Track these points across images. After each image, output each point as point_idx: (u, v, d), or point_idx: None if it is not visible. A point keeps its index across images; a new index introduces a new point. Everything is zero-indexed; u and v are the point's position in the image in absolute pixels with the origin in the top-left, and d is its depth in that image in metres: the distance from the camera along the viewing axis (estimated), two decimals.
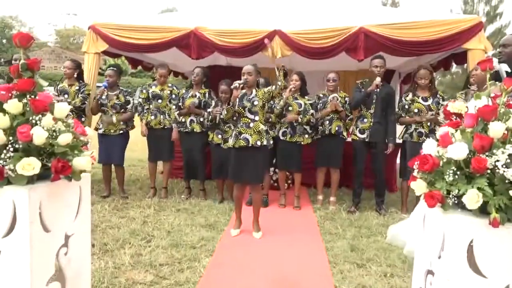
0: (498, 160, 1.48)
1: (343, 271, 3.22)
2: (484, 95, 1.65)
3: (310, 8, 5.83)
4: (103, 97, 5.04)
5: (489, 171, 1.51)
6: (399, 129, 5.13)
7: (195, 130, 5.16)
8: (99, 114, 5.25)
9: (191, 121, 5.17)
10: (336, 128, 5.07)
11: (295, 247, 3.76)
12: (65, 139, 1.67)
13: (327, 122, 5.08)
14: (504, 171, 1.46)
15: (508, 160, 1.47)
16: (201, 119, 5.14)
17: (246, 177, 3.98)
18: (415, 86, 4.79)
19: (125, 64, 11.94)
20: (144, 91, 5.28)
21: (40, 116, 1.66)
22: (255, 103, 3.91)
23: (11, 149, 1.59)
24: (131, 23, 5.50)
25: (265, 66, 6.78)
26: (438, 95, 4.76)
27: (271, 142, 4.09)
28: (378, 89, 4.73)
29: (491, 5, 18.24)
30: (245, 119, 3.93)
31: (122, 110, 5.15)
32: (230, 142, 3.99)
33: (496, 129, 1.53)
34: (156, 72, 5.33)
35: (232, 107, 3.93)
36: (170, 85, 5.32)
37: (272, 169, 5.68)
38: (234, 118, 4.05)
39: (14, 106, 1.63)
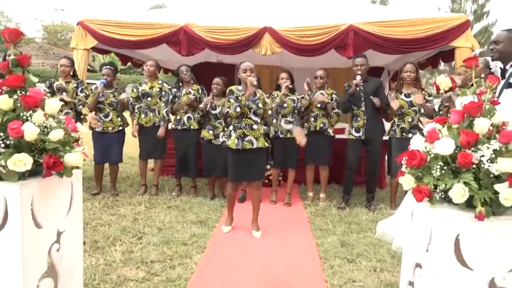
0: (483, 155, 1.53)
1: (334, 266, 3.26)
2: (470, 92, 1.69)
3: (300, 5, 5.86)
4: (100, 94, 5.00)
5: (474, 166, 1.55)
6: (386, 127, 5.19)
7: (192, 127, 5.15)
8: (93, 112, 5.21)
9: (188, 118, 5.16)
10: (321, 125, 5.10)
11: (286, 243, 3.79)
12: (56, 135, 1.67)
13: (312, 119, 5.14)
14: (489, 166, 1.50)
15: (493, 155, 1.52)
16: (197, 116, 5.14)
17: (250, 177, 3.98)
18: (400, 82, 4.85)
19: (114, 60, 11.84)
20: (135, 90, 5.25)
21: (31, 112, 1.66)
22: (260, 105, 3.87)
23: (2, 145, 1.58)
24: (120, 19, 5.46)
25: (256, 63, 6.79)
26: (423, 92, 4.80)
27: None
28: (361, 87, 4.77)
29: (478, 3, 18.51)
30: (249, 120, 3.85)
31: (118, 107, 5.15)
32: (230, 143, 3.85)
33: (481, 125, 1.57)
34: (145, 64, 5.31)
35: (245, 105, 3.79)
36: (160, 82, 5.27)
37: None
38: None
39: (4, 102, 1.62)
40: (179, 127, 5.21)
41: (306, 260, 3.40)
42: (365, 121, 4.85)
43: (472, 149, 1.56)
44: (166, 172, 6.26)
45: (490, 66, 3.66)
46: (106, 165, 5.33)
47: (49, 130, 1.68)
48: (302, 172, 5.51)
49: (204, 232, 3.93)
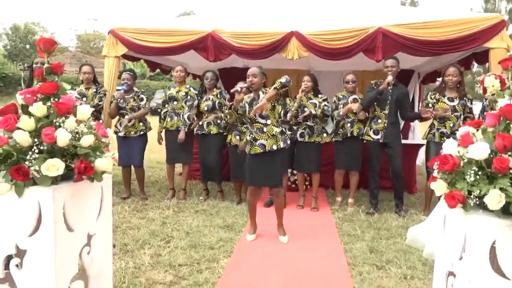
0: None
1: (362, 273, 3.20)
2: (507, 94, 1.62)
3: (327, 9, 5.81)
4: (121, 100, 5.12)
5: (511, 171, 1.49)
6: (423, 130, 5.07)
7: (212, 132, 5.19)
8: (117, 117, 5.33)
9: (208, 123, 5.20)
10: (358, 130, 5.05)
11: (313, 249, 3.75)
12: (87, 140, 1.71)
13: (349, 124, 5.06)
14: None
15: None
16: (218, 121, 5.17)
17: (265, 182, 3.95)
18: (443, 86, 4.71)
19: (144, 67, 12.13)
20: (164, 94, 5.36)
21: (63, 118, 1.71)
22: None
23: (36, 150, 1.63)
24: (149, 26, 5.57)
25: (283, 67, 6.80)
26: (465, 98, 4.65)
27: (289, 142, 3.96)
28: (390, 89, 4.68)
29: None
30: (258, 124, 3.83)
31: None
32: (246, 148, 3.93)
33: None
34: (174, 70, 5.40)
35: (234, 111, 3.83)
36: (187, 86, 5.35)
37: (290, 170, 5.67)
38: (238, 121, 3.99)
39: (39, 109, 1.68)
40: (199, 132, 5.26)
41: (334, 266, 3.34)
42: (385, 124, 4.76)
43: (509, 153, 1.50)
44: (194, 176, 6.32)
45: None
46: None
47: (80, 136, 1.72)
48: (330, 176, 5.45)
49: (230, 237, 3.93)
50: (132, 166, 5.40)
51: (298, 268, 3.31)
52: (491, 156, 1.52)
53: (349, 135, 5.06)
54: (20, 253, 1.67)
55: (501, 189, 1.45)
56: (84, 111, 1.79)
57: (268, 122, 3.83)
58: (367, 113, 5.00)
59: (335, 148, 5.24)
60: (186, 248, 3.60)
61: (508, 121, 1.56)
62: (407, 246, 3.78)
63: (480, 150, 1.52)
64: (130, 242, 3.69)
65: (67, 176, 1.73)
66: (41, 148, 1.64)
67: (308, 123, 5.00)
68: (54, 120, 1.70)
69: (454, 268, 1.65)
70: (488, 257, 1.47)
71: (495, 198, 1.44)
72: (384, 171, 5.04)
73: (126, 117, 5.16)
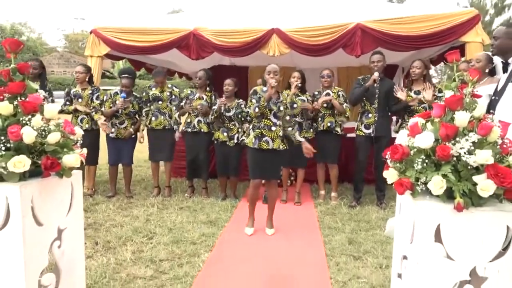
0: (462, 147, 1.54)
1: (339, 263, 3.29)
2: (452, 86, 1.70)
3: (308, 5, 5.88)
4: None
5: (455, 158, 1.57)
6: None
7: (202, 130, 5.24)
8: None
9: (199, 121, 5.24)
10: (328, 124, 5.12)
11: (293, 242, 3.83)
12: (54, 137, 1.77)
13: (320, 118, 5.16)
14: (467, 158, 1.52)
15: (472, 147, 1.53)
16: (208, 120, 5.23)
17: (267, 175, 4.08)
18: (410, 80, 4.83)
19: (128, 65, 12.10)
20: (144, 93, 5.38)
21: (30, 116, 1.76)
22: (281, 108, 3.93)
23: (3, 148, 1.69)
24: (131, 25, 5.61)
25: (264, 64, 6.88)
26: (434, 88, 4.75)
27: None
28: (378, 84, 4.76)
29: None
30: (268, 121, 3.92)
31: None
32: (248, 141, 3.97)
33: (461, 118, 1.58)
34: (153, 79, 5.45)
35: (264, 106, 3.85)
36: (169, 85, 5.41)
37: None
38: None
39: (4, 107, 1.74)
40: (189, 130, 5.31)
41: (312, 258, 3.43)
42: (376, 118, 4.84)
43: (452, 141, 1.58)
44: (180, 173, 6.38)
45: (494, 61, 3.62)
46: (121, 168, 5.48)
47: (47, 133, 1.78)
48: (313, 171, 5.54)
49: (213, 232, 4.00)
50: (120, 165, 5.44)
51: (277, 260, 3.39)
52: (436, 144, 1.60)
53: (320, 128, 5.16)
54: None
55: (443, 175, 1.53)
56: (51, 109, 1.85)
57: (278, 123, 3.96)
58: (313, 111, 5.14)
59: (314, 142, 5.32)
60: (168, 243, 3.66)
61: (452, 112, 1.64)
62: (385, 237, 3.87)
63: (424, 139, 1.60)
64: (113, 239, 3.75)
65: (36, 172, 1.78)
66: (8, 145, 1.70)
67: (297, 119, 5.06)
68: (21, 119, 1.76)
69: (406, 252, 1.73)
70: (434, 240, 1.55)
71: (437, 184, 1.52)
72: (368, 165, 5.12)
73: (130, 129, 5.24)
